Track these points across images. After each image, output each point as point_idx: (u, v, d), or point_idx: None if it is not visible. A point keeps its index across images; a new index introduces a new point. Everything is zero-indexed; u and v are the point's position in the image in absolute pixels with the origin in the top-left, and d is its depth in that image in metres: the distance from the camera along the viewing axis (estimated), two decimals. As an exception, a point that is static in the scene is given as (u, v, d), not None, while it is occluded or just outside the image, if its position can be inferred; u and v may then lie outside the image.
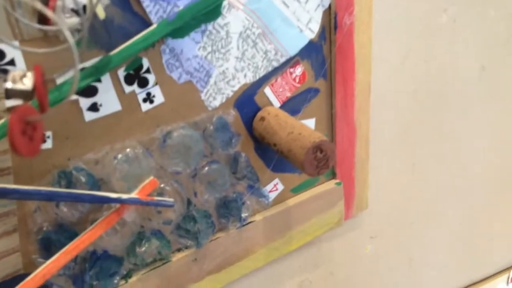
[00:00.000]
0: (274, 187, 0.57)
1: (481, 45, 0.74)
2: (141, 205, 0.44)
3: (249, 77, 0.50)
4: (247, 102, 0.51)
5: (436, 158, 0.77)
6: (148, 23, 0.41)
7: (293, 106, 0.55)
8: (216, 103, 0.49)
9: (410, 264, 0.83)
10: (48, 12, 0.28)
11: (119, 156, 0.43)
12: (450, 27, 0.69)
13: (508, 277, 1.02)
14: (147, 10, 0.41)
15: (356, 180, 0.64)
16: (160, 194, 0.47)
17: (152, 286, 0.50)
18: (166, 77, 0.45)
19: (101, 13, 0.36)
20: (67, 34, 0.27)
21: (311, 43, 0.53)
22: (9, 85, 0.28)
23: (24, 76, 0.28)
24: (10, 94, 0.28)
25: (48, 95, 0.35)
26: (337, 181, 0.62)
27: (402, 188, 0.75)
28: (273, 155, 0.55)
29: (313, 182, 0.61)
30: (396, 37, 0.63)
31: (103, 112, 0.42)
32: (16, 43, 0.35)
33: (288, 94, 0.54)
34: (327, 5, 0.52)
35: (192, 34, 0.44)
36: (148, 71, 0.43)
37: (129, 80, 0.42)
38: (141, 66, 0.43)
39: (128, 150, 0.43)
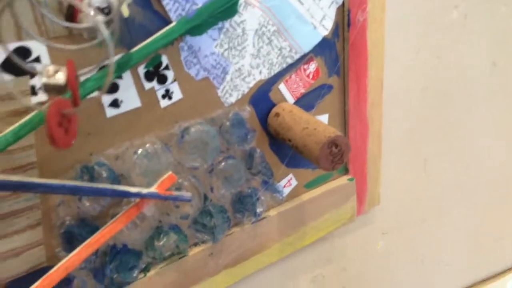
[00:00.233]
0: (288, 182, 0.58)
1: (492, 42, 0.75)
2: (160, 199, 0.45)
3: (264, 74, 0.51)
4: (262, 98, 0.52)
5: (448, 154, 0.78)
6: (167, 21, 0.42)
7: (307, 102, 0.55)
8: (232, 99, 0.49)
9: (422, 260, 0.83)
10: (84, 8, 0.29)
11: (139, 151, 0.44)
12: (461, 24, 0.69)
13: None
14: (167, 8, 0.42)
15: (368, 176, 0.65)
16: (178, 189, 0.48)
17: (170, 279, 0.51)
18: (184, 74, 0.45)
19: (125, 12, 0.37)
20: (103, 29, 0.28)
21: (324, 40, 0.54)
22: (44, 79, 0.29)
23: (57, 71, 0.29)
24: (45, 88, 0.28)
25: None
26: (350, 177, 0.63)
27: (414, 185, 0.76)
28: (287, 150, 0.55)
29: (326, 178, 0.61)
30: (407, 34, 0.64)
31: (123, 108, 0.43)
32: (46, 40, 0.36)
33: (302, 90, 0.55)
34: (340, 2, 0.53)
35: (210, 32, 0.45)
36: (167, 68, 0.44)
37: (149, 76, 0.43)
38: (160, 63, 0.43)
39: (147, 145, 0.44)
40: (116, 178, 0.44)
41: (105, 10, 0.36)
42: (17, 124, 0.36)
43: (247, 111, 0.50)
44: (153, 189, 0.44)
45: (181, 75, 0.45)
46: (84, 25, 0.33)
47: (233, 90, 0.49)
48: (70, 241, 0.43)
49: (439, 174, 0.78)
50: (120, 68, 0.40)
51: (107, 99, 0.42)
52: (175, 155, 0.47)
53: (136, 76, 0.42)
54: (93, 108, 0.41)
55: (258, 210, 0.55)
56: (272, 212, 0.57)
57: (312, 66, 0.54)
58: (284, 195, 0.58)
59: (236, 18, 0.46)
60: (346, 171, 0.63)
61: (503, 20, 0.74)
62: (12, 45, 0.36)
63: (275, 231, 0.58)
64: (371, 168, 0.64)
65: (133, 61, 0.40)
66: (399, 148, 0.70)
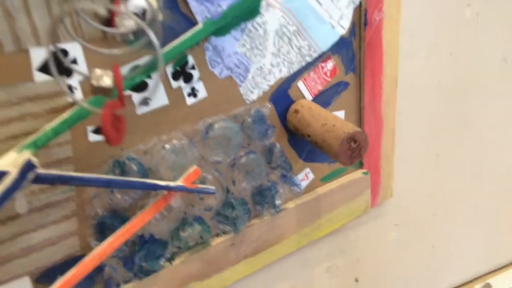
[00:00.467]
0: (305, 176, 0.60)
1: (503, 38, 0.76)
2: (186, 192, 0.47)
3: (284, 72, 0.53)
4: (281, 95, 0.54)
5: (460, 148, 0.79)
6: (193, 23, 0.44)
7: (324, 99, 0.57)
8: (254, 96, 0.52)
9: (433, 251, 0.86)
10: (134, 18, 0.31)
11: (167, 147, 0.46)
12: (473, 21, 0.71)
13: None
14: (193, 10, 0.44)
15: (382, 170, 0.67)
16: (202, 182, 0.50)
17: (194, 268, 0.53)
18: (209, 73, 0.48)
19: (159, 16, 0.39)
20: (151, 35, 0.30)
21: (342, 39, 0.56)
22: (94, 82, 0.31)
23: (104, 74, 0.31)
24: (93, 90, 0.31)
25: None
26: (364, 170, 0.65)
27: (426, 178, 0.78)
28: (305, 145, 0.58)
29: (341, 172, 0.63)
30: (421, 32, 0.66)
31: (152, 106, 0.45)
32: (88, 44, 0.38)
33: (320, 88, 0.57)
34: (357, 2, 0.55)
35: (233, 32, 0.47)
36: (193, 67, 0.46)
37: (176, 76, 0.45)
38: (186, 63, 0.46)
39: (174, 141, 0.47)
40: (145, 172, 0.46)
41: (140, 15, 0.38)
42: (56, 122, 0.39)
43: (268, 108, 0.53)
44: (179, 183, 0.46)
45: (206, 74, 0.47)
46: (124, 29, 0.35)
47: (255, 88, 0.51)
48: (102, 231, 0.46)
49: (450, 168, 0.80)
50: (151, 68, 0.42)
51: (137, 97, 0.44)
52: (199, 150, 0.49)
53: (164, 75, 0.45)
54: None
55: (277, 202, 0.57)
56: (290, 205, 0.59)
57: (329, 64, 0.56)
58: (302, 188, 0.60)
59: (258, 19, 0.48)
60: (361, 165, 0.65)
61: (515, 17, 0.76)
62: (52, 47, 0.38)
63: (292, 222, 0.60)
64: (385, 162, 0.66)
65: (164, 61, 0.42)
66: (412, 143, 0.72)
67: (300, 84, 0.55)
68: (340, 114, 0.60)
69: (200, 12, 0.44)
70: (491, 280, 0.98)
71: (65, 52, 0.39)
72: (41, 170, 0.37)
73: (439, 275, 0.90)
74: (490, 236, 0.94)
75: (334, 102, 0.58)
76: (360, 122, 0.62)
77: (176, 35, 0.44)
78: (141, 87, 0.44)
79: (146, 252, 0.49)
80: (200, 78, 0.47)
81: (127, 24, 0.36)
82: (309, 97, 0.56)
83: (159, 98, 0.45)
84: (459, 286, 0.95)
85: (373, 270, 0.78)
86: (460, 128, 0.78)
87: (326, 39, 0.54)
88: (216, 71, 0.48)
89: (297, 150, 0.58)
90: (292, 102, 0.55)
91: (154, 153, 0.46)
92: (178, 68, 0.45)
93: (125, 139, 0.45)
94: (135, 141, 0.46)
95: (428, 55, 0.68)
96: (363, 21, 0.56)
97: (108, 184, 0.41)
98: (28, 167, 0.35)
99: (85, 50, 0.39)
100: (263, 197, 0.56)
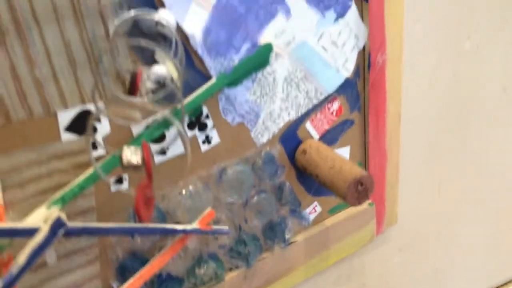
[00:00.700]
0: (313, 209, 0.63)
1: (503, 68, 0.79)
2: (202, 234, 0.50)
3: (292, 115, 0.56)
4: (290, 136, 0.56)
5: (461, 175, 0.82)
6: (207, 77, 0.47)
7: (330, 137, 0.60)
8: (264, 139, 0.54)
9: (436, 273, 0.88)
10: (145, 84, 0.34)
11: (183, 192, 0.49)
12: (473, 52, 0.73)
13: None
14: (208, 66, 0.47)
15: (386, 200, 0.69)
16: (216, 222, 0.53)
17: (208, 302, 0.56)
18: (222, 120, 0.50)
19: (179, 83, 0.42)
20: (181, 130, 0.33)
21: (347, 80, 0.58)
22: (125, 161, 0.34)
23: (135, 152, 0.34)
24: (124, 167, 0.34)
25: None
26: (370, 201, 0.67)
27: (429, 204, 0.80)
28: (313, 182, 0.60)
29: (348, 204, 0.66)
30: (423, 66, 0.68)
31: (169, 155, 0.48)
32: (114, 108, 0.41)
33: (326, 127, 0.59)
34: (361, 46, 0.58)
35: (244, 82, 0.50)
36: (207, 116, 0.49)
37: (191, 126, 0.48)
38: (201, 113, 0.48)
39: (190, 187, 0.49)
40: (163, 216, 0.49)
41: (161, 82, 0.41)
42: (81, 178, 0.42)
43: (277, 149, 0.55)
44: (195, 225, 0.49)
45: (219, 121, 0.50)
46: (145, 100, 0.38)
47: (265, 131, 0.54)
48: (123, 273, 0.48)
49: (453, 193, 0.83)
50: (170, 122, 0.45)
51: (155, 148, 0.47)
52: (214, 193, 0.52)
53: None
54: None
55: (287, 236, 0.60)
56: (299, 237, 0.62)
57: (335, 105, 0.59)
58: (310, 221, 0.62)
59: (268, 68, 0.51)
60: (366, 196, 0.68)
61: (514, 47, 0.78)
62: (77, 108, 0.41)
63: (301, 254, 0.63)
64: (389, 193, 0.69)
65: (181, 115, 0.45)
66: (415, 170, 0.75)
67: (308, 124, 0.57)
68: (346, 150, 0.62)
69: (214, 67, 0.47)
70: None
71: (89, 113, 0.42)
72: (69, 224, 0.40)
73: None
74: (492, 258, 0.96)
75: (340, 139, 0.61)
76: (365, 157, 0.64)
77: (192, 88, 0.46)
78: (159, 138, 0.46)
79: (164, 290, 0.52)
80: (214, 126, 0.50)
81: (148, 86, 0.39)
82: (316, 136, 0.59)
83: (176, 147, 0.48)
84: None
85: (379, 294, 0.81)
86: (462, 155, 0.80)
87: (332, 82, 0.57)
88: (229, 119, 0.51)
89: (305, 186, 0.60)
90: (300, 142, 0.58)
91: (171, 198, 0.49)
92: (193, 119, 0.48)
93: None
94: (153, 187, 0.48)
95: (429, 87, 0.70)
96: (367, 64, 0.58)
97: (130, 232, 0.44)
98: (58, 224, 0.38)
99: (108, 110, 0.42)
100: (273, 232, 0.58)
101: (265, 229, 0.59)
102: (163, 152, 0.47)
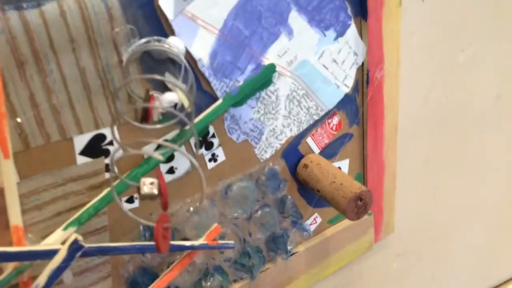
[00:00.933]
0: (314, 220, 0.65)
1: (496, 76, 0.81)
2: (208, 249, 0.52)
3: (294, 131, 0.57)
4: (292, 151, 0.58)
5: (456, 182, 0.84)
6: (214, 98, 0.49)
7: (330, 150, 0.62)
8: (267, 155, 0.56)
9: (433, 279, 0.91)
10: (157, 111, 0.36)
11: (191, 209, 0.51)
12: (468, 63, 0.76)
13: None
14: (214, 87, 0.48)
15: (384, 209, 0.71)
16: (222, 237, 0.54)
17: (214, 313, 0.58)
18: (227, 139, 0.52)
19: (190, 108, 0.43)
20: (196, 165, 0.35)
21: (346, 96, 0.60)
22: (143, 191, 0.35)
23: (151, 183, 0.36)
24: (141, 197, 0.35)
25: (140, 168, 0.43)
26: (368, 211, 0.69)
27: (425, 210, 0.82)
28: (314, 195, 0.62)
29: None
30: (419, 78, 0.70)
31: (177, 174, 0.50)
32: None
33: (327, 141, 0.61)
34: (360, 63, 0.60)
35: (248, 101, 0.52)
36: (213, 136, 0.51)
37: (198, 145, 0.50)
38: (208, 132, 0.50)
39: (197, 204, 0.51)
40: (172, 232, 0.51)
41: (173, 107, 0.42)
42: (96, 199, 0.43)
43: (280, 165, 0.57)
44: (202, 241, 0.51)
45: (224, 140, 0.52)
46: (157, 126, 0.40)
47: (268, 147, 0.56)
48: (134, 288, 0.50)
49: (448, 200, 0.85)
50: (180, 143, 0.46)
51: (164, 167, 0.48)
52: (219, 208, 0.53)
53: (188, 146, 0.49)
54: (153, 176, 0.48)
55: (289, 247, 0.61)
56: (300, 248, 0.64)
57: (335, 120, 0.61)
58: (311, 232, 0.64)
59: (270, 87, 0.53)
60: (364, 206, 0.70)
61: (507, 56, 0.81)
62: (92, 133, 0.43)
63: (302, 264, 0.65)
64: (387, 202, 0.71)
65: (189, 136, 0.47)
66: (412, 179, 0.77)
67: (309, 139, 0.59)
68: (345, 162, 0.64)
69: (220, 88, 0.49)
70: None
71: (104, 136, 0.43)
72: (86, 245, 0.42)
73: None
74: (487, 263, 0.99)
75: (340, 152, 0.63)
76: (363, 168, 0.66)
77: (200, 108, 0.48)
78: (168, 158, 0.48)
79: (172, 303, 0.53)
80: (220, 144, 0.52)
81: (160, 112, 0.41)
82: (316, 150, 0.61)
83: (183, 166, 0.50)
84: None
85: (377, 299, 0.83)
86: (457, 162, 0.83)
87: (332, 98, 0.59)
88: (234, 137, 0.53)
89: (307, 199, 0.62)
90: (301, 156, 0.59)
91: (179, 215, 0.51)
92: (200, 139, 0.50)
93: (153, 205, 0.49)
94: (162, 205, 0.50)
95: (425, 98, 0.72)
96: (365, 80, 0.60)
97: (143, 250, 0.46)
98: (76, 248, 0.39)
99: (121, 133, 0.44)
100: (276, 244, 0.60)
101: (268, 241, 0.60)
102: (171, 171, 0.49)
